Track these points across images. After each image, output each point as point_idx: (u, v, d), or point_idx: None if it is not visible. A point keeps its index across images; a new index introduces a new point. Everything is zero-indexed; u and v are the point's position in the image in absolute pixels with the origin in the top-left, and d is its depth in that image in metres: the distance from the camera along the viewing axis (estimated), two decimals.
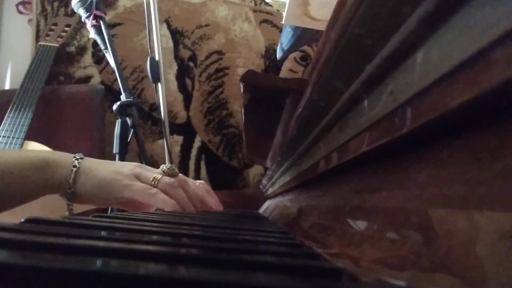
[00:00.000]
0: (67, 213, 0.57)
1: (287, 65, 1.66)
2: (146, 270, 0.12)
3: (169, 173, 0.59)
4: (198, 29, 1.67)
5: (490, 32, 0.12)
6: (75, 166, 0.55)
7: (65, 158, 0.57)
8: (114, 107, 1.19)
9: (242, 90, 0.44)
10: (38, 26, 1.65)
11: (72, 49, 1.63)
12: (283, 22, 0.95)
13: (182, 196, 0.57)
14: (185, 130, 1.62)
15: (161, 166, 0.60)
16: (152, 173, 0.58)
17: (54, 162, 0.55)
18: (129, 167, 0.58)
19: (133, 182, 0.55)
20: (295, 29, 1.04)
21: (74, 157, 0.57)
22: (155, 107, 1.57)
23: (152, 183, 0.56)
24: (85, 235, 0.19)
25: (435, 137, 0.17)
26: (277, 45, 1.47)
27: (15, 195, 0.53)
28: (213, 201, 0.63)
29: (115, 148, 1.18)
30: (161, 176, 0.57)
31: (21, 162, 0.53)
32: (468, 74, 0.13)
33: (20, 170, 0.53)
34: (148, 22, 1.33)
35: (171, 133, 1.57)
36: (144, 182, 0.56)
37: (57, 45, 1.51)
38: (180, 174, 0.61)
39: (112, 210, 1.19)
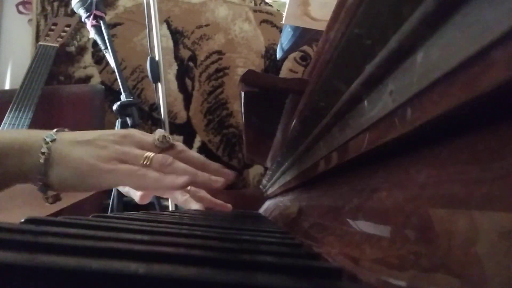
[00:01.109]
0: (47, 204, 0.48)
1: (287, 65, 1.66)
2: (146, 270, 0.12)
3: (162, 148, 0.49)
4: (198, 29, 1.67)
5: (490, 32, 0.12)
6: (43, 153, 0.45)
7: (33, 141, 0.46)
8: (114, 107, 1.19)
9: (242, 90, 0.44)
10: (38, 26, 1.65)
11: (72, 49, 1.63)
12: (283, 22, 0.95)
13: (181, 167, 0.47)
14: (185, 130, 1.62)
15: (153, 135, 0.50)
16: (142, 151, 0.47)
17: (18, 147, 0.45)
18: (112, 148, 0.47)
19: (116, 166, 0.45)
20: (295, 29, 1.04)
21: (45, 139, 0.46)
22: (155, 107, 1.57)
23: (144, 163, 0.46)
24: (84, 235, 0.19)
25: (435, 137, 0.17)
26: (277, 45, 1.47)
27: None
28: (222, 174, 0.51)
29: None
30: (153, 154, 0.47)
31: None
32: (468, 74, 0.13)
33: None
34: (148, 22, 1.33)
35: (171, 133, 1.57)
36: (134, 163, 0.46)
37: (57, 45, 1.51)
38: (177, 143, 0.51)
39: (112, 210, 1.19)
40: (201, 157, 0.52)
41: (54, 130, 0.47)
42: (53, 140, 0.46)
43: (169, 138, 0.50)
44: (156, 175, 0.45)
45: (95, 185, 0.46)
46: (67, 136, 0.48)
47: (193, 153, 0.52)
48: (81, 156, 0.45)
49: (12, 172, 0.45)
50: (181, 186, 0.44)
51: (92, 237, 0.19)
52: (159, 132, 0.50)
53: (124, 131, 0.51)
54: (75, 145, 0.46)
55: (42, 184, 0.45)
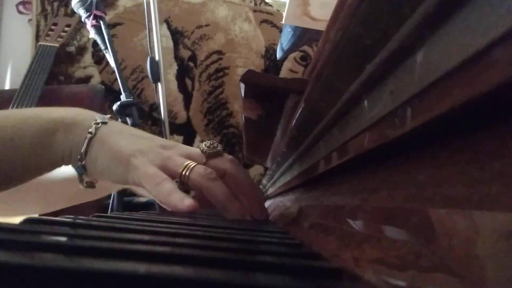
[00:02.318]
0: (81, 187, 0.47)
1: (287, 65, 1.66)
2: (146, 270, 0.12)
3: (209, 153, 0.45)
4: (198, 29, 1.67)
5: (490, 32, 0.12)
6: (90, 133, 0.44)
7: (82, 118, 0.45)
8: (114, 107, 1.20)
9: (242, 90, 0.44)
10: (38, 26, 1.65)
11: (72, 49, 1.63)
12: (283, 22, 0.95)
13: (221, 189, 0.42)
14: (185, 130, 1.62)
15: (199, 145, 0.46)
16: (184, 158, 0.44)
17: (65, 125, 0.45)
18: (156, 150, 0.44)
19: (144, 166, 0.42)
20: (295, 29, 1.04)
21: (96, 119, 0.45)
22: (155, 107, 1.57)
23: (184, 173, 0.42)
24: (85, 235, 0.19)
25: (435, 137, 0.17)
26: (277, 45, 1.47)
27: (16, 167, 0.44)
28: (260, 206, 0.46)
29: None
30: (194, 164, 0.43)
31: (23, 125, 0.44)
32: (468, 74, 0.13)
33: (21, 136, 0.43)
34: (148, 22, 1.33)
35: (171, 133, 1.57)
36: (174, 170, 0.43)
37: (57, 45, 1.51)
38: (226, 155, 0.47)
39: (112, 210, 1.19)
40: (249, 180, 0.46)
41: (108, 115, 0.47)
42: (104, 123, 0.45)
43: (218, 145, 0.46)
44: (169, 188, 0.41)
45: (121, 178, 0.44)
46: (119, 125, 0.47)
47: (242, 172, 0.46)
48: (121, 146, 0.44)
49: (59, 149, 0.45)
50: (183, 211, 0.40)
51: (92, 237, 0.19)
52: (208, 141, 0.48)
53: (175, 142, 0.48)
54: (122, 135, 0.45)
55: (80, 164, 0.44)
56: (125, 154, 0.43)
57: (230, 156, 0.47)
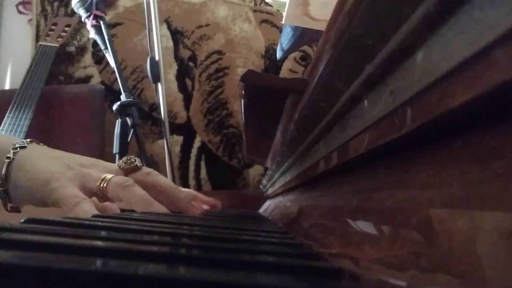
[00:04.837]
0: (6, 212, 0.47)
1: (287, 65, 1.66)
2: (146, 270, 0.12)
3: (126, 169, 0.47)
4: (198, 29, 1.67)
5: (490, 32, 0.12)
6: (8, 158, 0.44)
7: (1, 145, 0.45)
8: (114, 107, 1.20)
9: (242, 90, 0.44)
10: (38, 26, 1.65)
11: (72, 49, 1.63)
12: (283, 22, 0.95)
13: (137, 193, 0.43)
14: (185, 130, 1.62)
15: (118, 162, 0.48)
16: (102, 173, 0.45)
17: None
18: (77, 169, 0.44)
19: (62, 188, 0.42)
20: (295, 29, 1.04)
21: (14, 144, 0.45)
22: (155, 107, 1.57)
23: (101, 186, 0.43)
24: (85, 235, 0.19)
25: (435, 137, 0.17)
26: (277, 45, 1.47)
27: None
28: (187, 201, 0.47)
29: (115, 148, 1.19)
30: (111, 176, 0.44)
31: None
32: (468, 74, 0.13)
33: None
34: (148, 22, 1.33)
35: (171, 133, 1.56)
36: (92, 186, 0.44)
37: (57, 45, 1.51)
38: (145, 168, 0.48)
39: None
40: (169, 185, 0.48)
41: (28, 140, 0.47)
42: (22, 148, 0.45)
43: (135, 160, 0.47)
44: (85, 209, 0.40)
45: (41, 201, 0.44)
46: (39, 148, 0.47)
47: (162, 179, 0.48)
48: (40, 169, 0.44)
49: None
50: None
51: (92, 237, 0.19)
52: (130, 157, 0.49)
53: (96, 160, 0.49)
54: (41, 158, 0.45)
55: (2, 189, 0.45)
56: (43, 177, 0.43)
57: (148, 169, 0.48)
